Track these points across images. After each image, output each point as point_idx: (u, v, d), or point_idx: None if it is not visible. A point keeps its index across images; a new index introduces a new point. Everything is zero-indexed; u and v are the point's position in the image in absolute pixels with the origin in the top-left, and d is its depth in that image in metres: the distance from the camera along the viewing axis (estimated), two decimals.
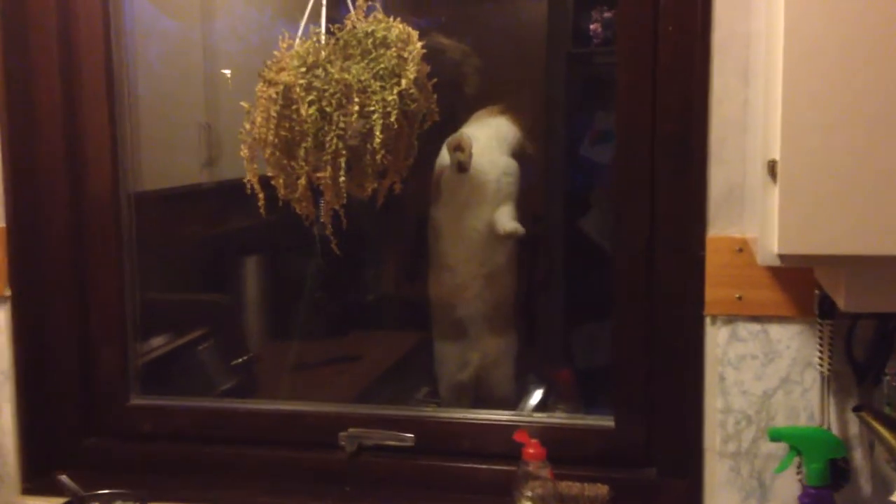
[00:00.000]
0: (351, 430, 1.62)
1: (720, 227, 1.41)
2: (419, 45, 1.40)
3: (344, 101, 1.37)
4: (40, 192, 1.65)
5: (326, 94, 1.36)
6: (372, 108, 1.37)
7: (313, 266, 2.38)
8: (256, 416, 1.70)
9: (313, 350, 2.46)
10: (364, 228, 2.20)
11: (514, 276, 2.00)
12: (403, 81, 1.38)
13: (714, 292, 1.42)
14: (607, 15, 2.13)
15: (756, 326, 1.41)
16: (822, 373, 1.37)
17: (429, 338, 2.13)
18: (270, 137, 1.39)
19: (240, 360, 2.30)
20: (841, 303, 1.11)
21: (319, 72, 1.37)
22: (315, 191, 1.46)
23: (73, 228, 1.67)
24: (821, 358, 1.37)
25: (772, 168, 1.08)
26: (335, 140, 1.37)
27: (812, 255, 1.07)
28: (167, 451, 1.68)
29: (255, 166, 1.45)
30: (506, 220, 1.90)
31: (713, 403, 1.43)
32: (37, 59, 1.63)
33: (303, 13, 1.45)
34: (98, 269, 1.68)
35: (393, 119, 1.38)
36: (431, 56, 1.47)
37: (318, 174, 1.40)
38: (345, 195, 1.45)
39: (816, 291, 1.35)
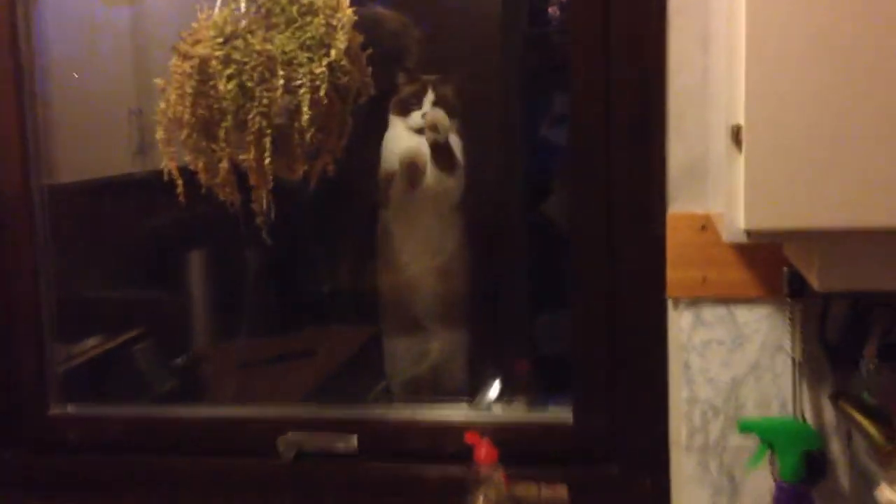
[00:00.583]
0: (290, 434, 1.50)
1: (681, 204, 1.31)
2: (349, 11, 1.27)
3: (267, 74, 1.24)
4: None
5: (247, 67, 1.24)
6: (299, 82, 1.25)
7: (262, 259, 2.26)
8: (189, 424, 1.58)
9: (264, 347, 2.32)
10: (309, 215, 2.10)
11: (468, 265, 1.88)
12: (333, 52, 1.26)
13: (676, 273, 1.31)
14: None
15: (722, 309, 1.31)
16: (793, 358, 1.27)
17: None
18: (187, 117, 1.26)
19: (179, 359, 2.17)
20: (814, 281, 1.01)
21: (239, 43, 1.25)
22: (242, 175, 1.33)
23: None
24: (792, 342, 1.26)
25: (736, 134, 0.98)
26: (258, 118, 1.24)
27: (782, 230, 0.98)
28: (91, 465, 1.56)
29: (173, 149, 1.32)
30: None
31: (678, 393, 1.33)
32: None
33: None
34: (8, 268, 1.54)
35: (322, 94, 1.25)
36: (368, 27, 1.35)
37: (242, 156, 1.27)
38: (271, 179, 1.32)
39: (786, 269, 1.25)
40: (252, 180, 1.29)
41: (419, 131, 1.75)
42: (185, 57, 1.26)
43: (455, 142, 1.79)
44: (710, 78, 1.25)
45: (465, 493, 1.32)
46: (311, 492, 1.48)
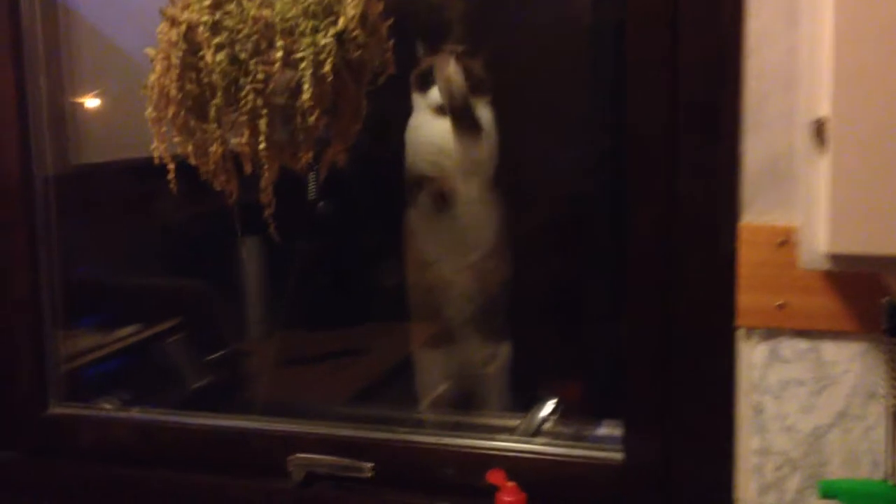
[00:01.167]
0: (299, 455, 1.33)
1: (757, 213, 1.08)
2: None
3: (263, 45, 1.07)
4: None
5: (240, 35, 1.06)
6: (300, 55, 1.07)
7: (315, 248, 2.10)
8: (194, 433, 1.42)
9: (317, 343, 2.17)
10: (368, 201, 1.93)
11: (507, 264, 1.67)
12: (341, 20, 1.07)
13: (749, 298, 1.08)
14: None
15: (804, 343, 1.07)
16: (890, 406, 1.03)
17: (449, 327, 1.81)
18: (173, 92, 1.09)
19: (216, 354, 2.04)
20: None
21: (232, 7, 1.07)
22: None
23: None
24: (889, 387, 1.03)
25: (819, 130, 0.74)
26: (252, 95, 1.07)
27: (878, 256, 0.74)
28: (88, 473, 1.42)
29: (164, 129, 1.15)
30: None
31: (747, 442, 1.11)
32: None
33: None
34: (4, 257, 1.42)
35: (328, 69, 1.07)
36: None
37: (235, 140, 1.10)
38: (277, 166, 1.14)
39: (885, 300, 1.00)
40: (246, 168, 1.11)
41: (440, 109, 1.54)
42: (173, 22, 1.09)
43: (484, 115, 1.58)
44: (796, 59, 1.02)
45: None
46: None
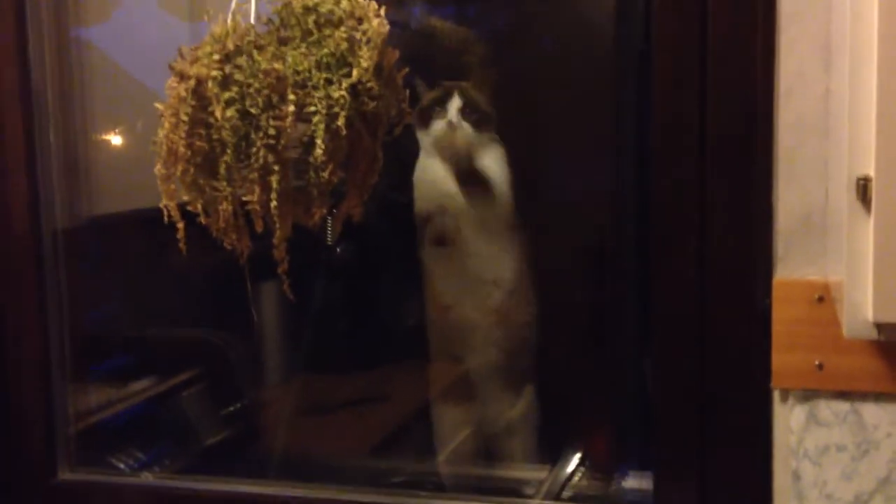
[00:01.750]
0: None
1: (793, 268, 1.02)
2: (376, 22, 1.04)
3: (275, 99, 1.03)
4: None
5: (251, 90, 1.02)
6: (313, 109, 1.03)
7: (331, 292, 2.06)
8: (209, 500, 1.37)
9: (335, 388, 2.12)
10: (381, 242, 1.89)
11: (529, 305, 1.61)
12: (355, 72, 1.03)
13: (784, 358, 1.02)
14: None
15: (844, 406, 1.01)
16: None
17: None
18: (182, 149, 1.05)
19: (232, 408, 1.99)
20: None
21: (242, 61, 1.03)
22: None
23: None
24: None
25: (863, 189, 0.69)
26: (263, 151, 1.03)
27: None
28: None
29: (174, 187, 1.12)
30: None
31: None
32: None
33: None
34: (13, 312, 1.37)
35: (341, 122, 1.03)
36: (420, 43, 1.12)
37: (245, 197, 1.06)
38: (289, 224, 1.10)
39: None
40: (257, 226, 1.07)
41: (445, 143, 1.51)
42: (182, 77, 1.05)
43: (495, 153, 1.54)
44: (832, 103, 0.97)
45: None
46: None
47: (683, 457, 1.10)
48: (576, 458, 1.61)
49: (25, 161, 1.37)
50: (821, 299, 1.00)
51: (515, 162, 1.58)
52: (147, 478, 1.46)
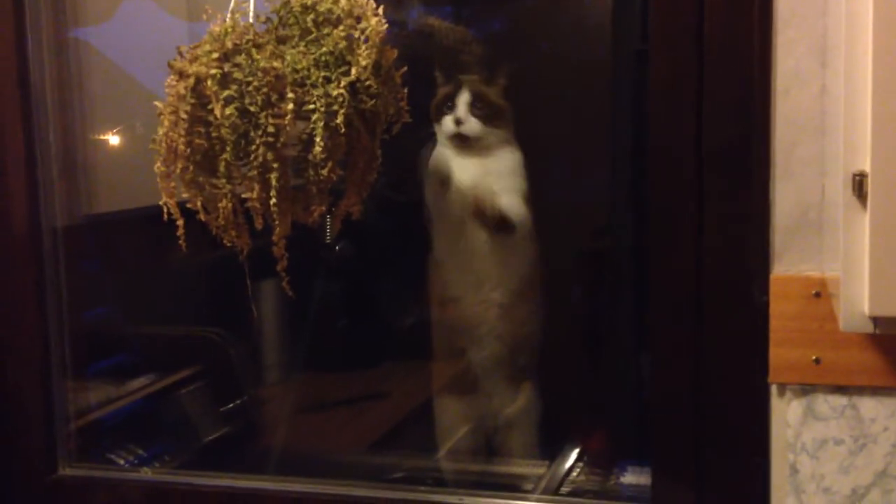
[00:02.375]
0: None
1: (790, 264, 1.03)
2: (375, 20, 1.05)
3: (274, 97, 1.03)
4: None
5: (250, 88, 1.03)
6: (312, 107, 1.03)
7: (332, 289, 2.06)
8: (208, 495, 1.37)
9: (336, 386, 2.13)
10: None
11: (539, 304, 1.62)
12: (353, 70, 1.03)
13: (782, 353, 1.03)
14: None
15: (841, 400, 1.02)
16: None
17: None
18: (181, 147, 1.05)
19: (231, 405, 1.99)
20: None
21: (242, 59, 1.04)
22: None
23: None
24: None
25: (859, 184, 0.70)
26: (262, 149, 1.03)
27: None
28: None
29: (173, 185, 1.12)
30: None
31: None
32: None
33: None
34: (12, 310, 1.38)
35: (340, 120, 1.03)
36: (417, 42, 1.13)
37: (245, 195, 1.07)
38: (289, 221, 1.11)
39: None
40: (257, 223, 1.08)
41: (456, 137, 1.51)
42: (181, 75, 1.06)
43: (510, 157, 1.55)
44: (828, 101, 0.97)
45: None
46: None
47: (681, 452, 1.11)
48: (574, 454, 1.62)
49: (24, 160, 1.37)
50: (818, 295, 1.01)
51: None
52: (146, 473, 1.46)
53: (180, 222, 1.12)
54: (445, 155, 1.52)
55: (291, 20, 1.06)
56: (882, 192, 0.68)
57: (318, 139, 1.03)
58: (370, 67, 1.05)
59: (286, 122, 1.03)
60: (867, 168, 0.68)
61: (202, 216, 1.11)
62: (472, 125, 1.49)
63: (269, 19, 1.08)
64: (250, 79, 1.03)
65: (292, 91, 1.03)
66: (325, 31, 1.05)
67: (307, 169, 1.07)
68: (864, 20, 0.70)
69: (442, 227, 1.58)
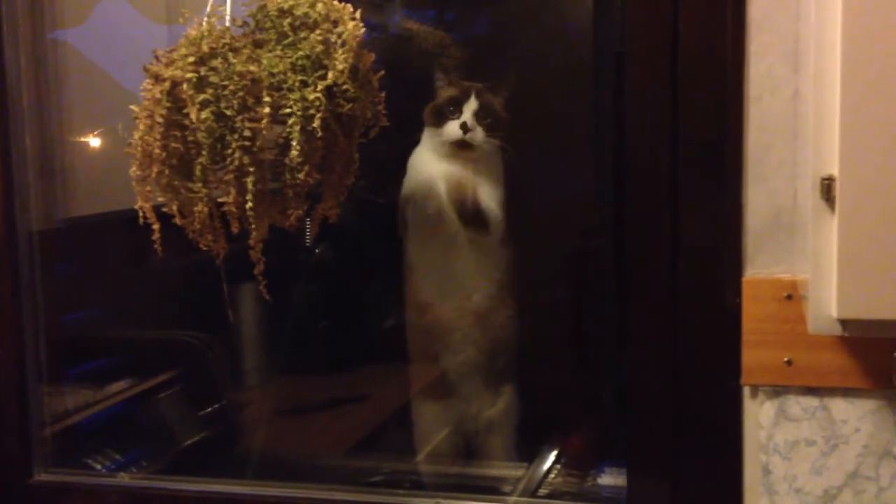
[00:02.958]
0: None
1: (761, 266, 1.04)
2: (352, 24, 1.05)
3: (250, 101, 1.03)
4: None
5: (226, 92, 1.03)
6: (288, 111, 1.03)
7: (310, 292, 2.06)
8: (186, 500, 1.37)
9: (310, 390, 2.12)
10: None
11: (516, 309, 1.62)
12: (330, 74, 1.04)
13: (754, 354, 1.04)
14: None
15: (813, 401, 1.03)
16: None
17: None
18: (157, 151, 1.05)
19: (209, 409, 1.98)
20: None
21: (217, 63, 1.04)
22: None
23: None
24: None
25: (827, 188, 0.71)
26: (238, 153, 1.03)
27: (891, 321, 0.70)
28: None
29: (149, 189, 1.12)
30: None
31: None
32: None
33: None
34: None
35: (317, 124, 1.03)
36: (397, 46, 1.13)
37: (221, 198, 1.07)
38: (266, 225, 1.11)
39: None
40: (233, 228, 1.08)
41: (458, 144, 1.50)
42: (157, 79, 1.05)
43: (495, 167, 1.55)
44: (800, 105, 0.99)
45: None
46: None
47: (656, 453, 1.12)
48: (552, 456, 1.62)
49: (0, 163, 1.36)
50: (789, 297, 1.02)
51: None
52: (124, 478, 1.45)
53: (156, 227, 1.12)
54: (428, 159, 1.52)
55: (268, 24, 1.06)
56: (850, 196, 0.69)
57: (294, 143, 1.03)
58: (347, 71, 1.05)
59: (262, 125, 1.03)
60: (835, 172, 0.69)
61: (178, 220, 1.11)
62: (479, 134, 1.49)
63: (245, 23, 1.08)
64: (226, 83, 1.03)
65: (269, 95, 1.03)
66: (302, 35, 1.05)
67: (284, 173, 1.07)
68: (832, 26, 0.71)
69: (417, 233, 1.58)
